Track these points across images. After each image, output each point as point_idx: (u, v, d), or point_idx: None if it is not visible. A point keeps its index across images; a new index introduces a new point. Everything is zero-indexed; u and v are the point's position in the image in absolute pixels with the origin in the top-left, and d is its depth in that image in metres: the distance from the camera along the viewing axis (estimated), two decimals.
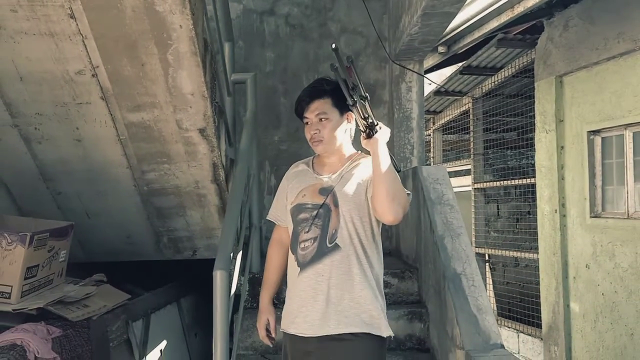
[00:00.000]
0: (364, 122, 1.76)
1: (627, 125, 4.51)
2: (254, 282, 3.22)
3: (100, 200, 2.94)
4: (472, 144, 7.37)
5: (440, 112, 8.54)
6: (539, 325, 5.67)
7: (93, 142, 2.57)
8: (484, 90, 6.98)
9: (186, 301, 3.61)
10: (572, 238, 5.02)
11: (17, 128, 2.48)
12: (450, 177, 3.31)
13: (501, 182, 6.97)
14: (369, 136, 1.78)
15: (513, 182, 6.71)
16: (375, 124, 1.77)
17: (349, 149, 1.98)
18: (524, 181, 6.41)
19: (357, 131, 1.94)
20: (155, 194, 2.94)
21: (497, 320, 6.56)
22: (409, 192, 1.85)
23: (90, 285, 2.54)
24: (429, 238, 2.97)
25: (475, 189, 7.32)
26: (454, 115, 7.97)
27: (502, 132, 7.38)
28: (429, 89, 6.97)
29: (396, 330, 2.85)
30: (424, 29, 3.71)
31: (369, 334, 1.81)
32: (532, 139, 5.65)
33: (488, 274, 7.06)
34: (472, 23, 5.13)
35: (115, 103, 2.38)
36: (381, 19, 4.55)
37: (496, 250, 6.90)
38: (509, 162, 7.38)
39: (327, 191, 1.89)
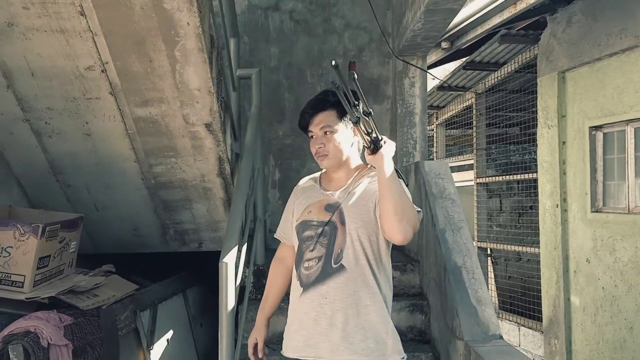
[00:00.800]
0: (367, 137, 1.66)
1: (628, 121, 4.54)
2: (259, 274, 3.28)
3: (108, 193, 3.00)
4: (475, 139, 7.40)
5: (443, 107, 8.57)
6: (540, 319, 5.72)
7: (102, 136, 2.63)
8: (487, 86, 7.01)
9: (192, 292, 3.67)
10: (573, 232, 5.07)
11: (28, 122, 2.54)
12: (453, 171, 3.37)
13: (503, 177, 7.00)
14: (374, 152, 1.67)
15: (515, 177, 6.75)
16: (380, 138, 1.66)
17: (356, 163, 1.89)
18: (527, 176, 6.44)
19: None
20: (162, 187, 3.00)
21: (499, 313, 6.62)
22: (419, 209, 1.75)
23: (100, 276, 2.60)
24: (431, 232, 3.01)
25: (477, 183, 7.36)
26: (457, 110, 8.00)
27: (505, 128, 7.41)
28: (432, 84, 6.99)
29: (397, 322, 2.90)
30: (427, 25, 3.75)
31: None
32: (535, 134, 5.68)
33: (490, 268, 7.11)
34: (475, 19, 5.15)
35: (124, 98, 2.43)
36: (385, 15, 4.58)
37: (498, 245, 6.95)
38: (511, 157, 7.41)
39: (333, 207, 1.80)
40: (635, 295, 4.37)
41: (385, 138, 1.69)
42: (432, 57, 5.95)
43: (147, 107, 2.48)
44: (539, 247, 5.67)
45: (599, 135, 4.87)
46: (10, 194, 2.84)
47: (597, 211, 4.82)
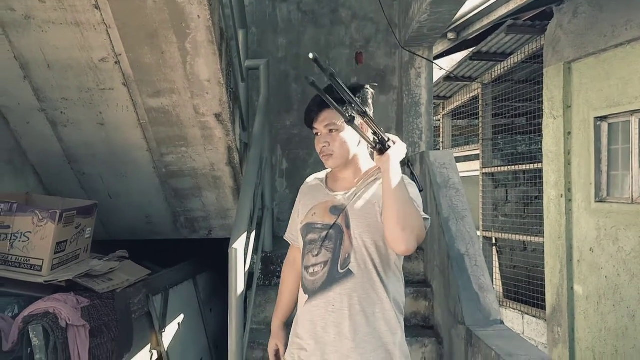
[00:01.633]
0: (373, 137, 1.56)
1: (633, 112, 4.56)
2: (266, 260, 3.37)
3: (121, 182, 3.08)
4: (481, 129, 7.43)
5: (450, 97, 8.58)
6: (544, 308, 5.78)
7: (115, 126, 2.70)
8: (493, 76, 7.01)
9: (201, 278, 3.75)
10: (577, 222, 5.11)
11: (44, 112, 2.62)
12: (459, 162, 3.41)
13: (509, 167, 7.03)
14: (381, 152, 1.56)
15: (521, 167, 6.77)
16: (386, 139, 1.55)
17: (365, 162, 1.77)
18: (533, 166, 6.47)
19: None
20: (173, 175, 3.07)
21: (503, 302, 6.68)
22: (426, 216, 1.62)
23: (114, 261, 2.68)
24: (435, 220, 3.07)
25: (483, 173, 7.39)
26: (463, 100, 8.01)
27: (512, 118, 7.42)
28: (438, 74, 7.01)
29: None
30: (433, 16, 3.78)
31: None
32: (541, 124, 5.71)
33: (495, 257, 7.16)
34: (482, 10, 5.16)
35: (137, 89, 2.49)
36: (391, 6, 4.60)
37: (503, 235, 7.00)
38: (517, 148, 7.43)
39: (338, 210, 1.69)
40: (638, 284, 4.42)
41: (394, 138, 1.58)
42: (438, 48, 5.97)
43: (159, 98, 2.55)
44: (544, 237, 5.71)
45: (604, 126, 4.89)
46: (27, 181, 2.93)
47: (601, 201, 4.86)
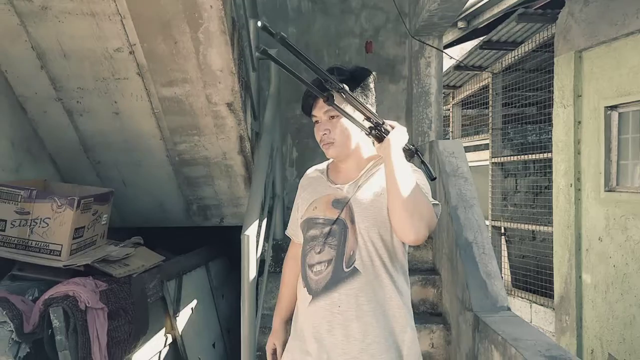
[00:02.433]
0: (366, 122, 1.45)
1: None
2: (277, 248, 3.42)
3: (135, 170, 3.13)
4: (490, 118, 7.41)
5: (459, 87, 8.55)
6: (552, 296, 5.81)
7: (129, 114, 2.75)
8: (503, 65, 6.98)
9: (214, 265, 3.82)
10: (586, 211, 5.11)
11: (60, 101, 2.68)
12: (469, 151, 3.42)
13: (519, 157, 7.02)
14: (379, 139, 1.46)
15: (531, 157, 6.76)
16: (381, 122, 1.46)
17: (368, 151, 1.64)
18: (543, 156, 6.45)
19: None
20: (186, 164, 3.12)
21: (512, 291, 6.71)
22: (436, 201, 1.52)
23: (129, 247, 2.75)
24: (444, 209, 3.10)
25: (493, 163, 7.39)
26: (473, 90, 7.98)
27: (522, 107, 7.40)
28: (448, 63, 6.99)
29: (411, 296, 3.02)
30: (443, 5, 3.77)
31: None
32: (551, 113, 5.69)
33: (504, 246, 7.18)
34: None
35: (150, 78, 2.54)
36: None
37: (512, 224, 7.01)
38: (527, 137, 7.41)
39: (341, 203, 1.58)
40: None
41: (393, 123, 1.49)
42: (448, 37, 5.96)
43: (172, 87, 2.59)
44: (553, 226, 5.72)
45: (614, 115, 4.87)
46: (45, 169, 2.99)
47: (610, 190, 4.85)
